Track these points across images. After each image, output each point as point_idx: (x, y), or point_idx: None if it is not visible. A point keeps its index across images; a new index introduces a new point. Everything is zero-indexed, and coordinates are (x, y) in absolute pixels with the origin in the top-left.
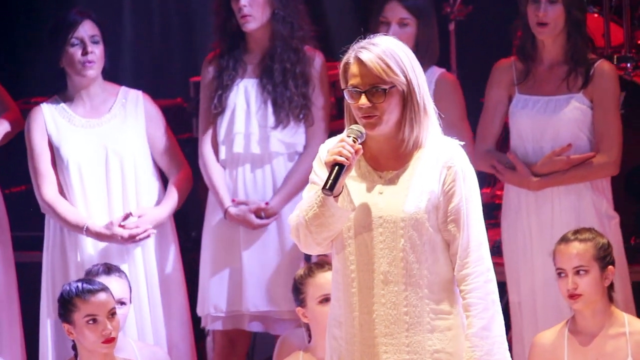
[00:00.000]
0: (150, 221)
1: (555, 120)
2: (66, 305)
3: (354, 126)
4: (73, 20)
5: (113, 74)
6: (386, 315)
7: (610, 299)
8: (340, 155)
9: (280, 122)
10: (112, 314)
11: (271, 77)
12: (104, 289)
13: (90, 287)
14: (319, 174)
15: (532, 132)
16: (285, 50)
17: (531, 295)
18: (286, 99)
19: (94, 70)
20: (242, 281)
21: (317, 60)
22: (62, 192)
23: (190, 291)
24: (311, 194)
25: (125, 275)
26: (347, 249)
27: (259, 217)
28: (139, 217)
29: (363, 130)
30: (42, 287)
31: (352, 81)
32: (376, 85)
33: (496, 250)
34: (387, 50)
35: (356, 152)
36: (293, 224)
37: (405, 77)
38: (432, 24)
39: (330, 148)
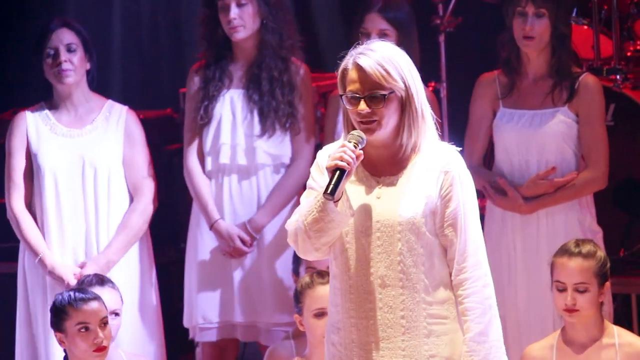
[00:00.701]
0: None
1: (541, 134)
2: (58, 314)
3: (354, 132)
4: (47, 30)
5: (102, 84)
6: (383, 319)
7: (601, 311)
8: (342, 160)
9: (266, 130)
10: (104, 323)
11: (258, 86)
12: (97, 297)
13: (82, 295)
14: (317, 179)
15: (518, 146)
16: (273, 59)
17: (515, 309)
18: (272, 108)
19: (71, 78)
20: (232, 291)
21: (303, 71)
22: (30, 200)
23: (181, 303)
24: (310, 199)
25: (118, 287)
26: (345, 253)
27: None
28: (81, 266)
29: (364, 135)
30: (17, 301)
31: (351, 87)
32: (375, 91)
33: None
34: (385, 56)
35: (357, 157)
36: (291, 229)
37: (404, 83)
38: (412, 36)
39: (332, 153)
